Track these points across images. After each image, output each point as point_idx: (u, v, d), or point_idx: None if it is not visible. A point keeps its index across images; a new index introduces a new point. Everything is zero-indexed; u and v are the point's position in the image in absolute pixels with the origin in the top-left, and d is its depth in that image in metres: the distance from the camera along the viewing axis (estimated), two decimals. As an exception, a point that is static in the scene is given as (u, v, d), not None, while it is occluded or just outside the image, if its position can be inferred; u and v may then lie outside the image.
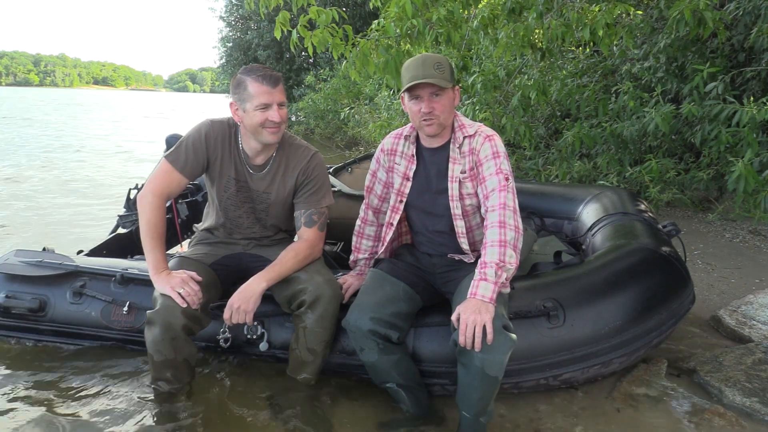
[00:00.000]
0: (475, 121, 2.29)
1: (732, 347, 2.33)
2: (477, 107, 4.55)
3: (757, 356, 2.20)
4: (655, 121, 3.84)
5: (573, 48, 5.54)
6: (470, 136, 1.85)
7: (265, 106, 1.82)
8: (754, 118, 3.27)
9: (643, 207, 2.75)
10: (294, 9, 3.56)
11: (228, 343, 1.99)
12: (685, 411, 1.90)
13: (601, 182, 4.48)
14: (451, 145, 1.88)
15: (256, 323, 1.97)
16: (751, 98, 3.51)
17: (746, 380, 2.04)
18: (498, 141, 1.84)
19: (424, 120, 1.79)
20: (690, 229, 4.20)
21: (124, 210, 3.01)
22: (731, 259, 3.60)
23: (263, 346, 1.99)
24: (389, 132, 2.06)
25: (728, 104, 3.55)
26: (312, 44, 3.60)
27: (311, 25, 3.60)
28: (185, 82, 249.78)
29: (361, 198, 2.24)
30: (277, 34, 3.51)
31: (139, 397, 1.94)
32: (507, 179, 1.78)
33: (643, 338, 1.96)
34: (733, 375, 2.07)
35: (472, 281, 1.64)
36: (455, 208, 1.87)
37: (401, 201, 1.96)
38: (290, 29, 3.54)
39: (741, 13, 4.01)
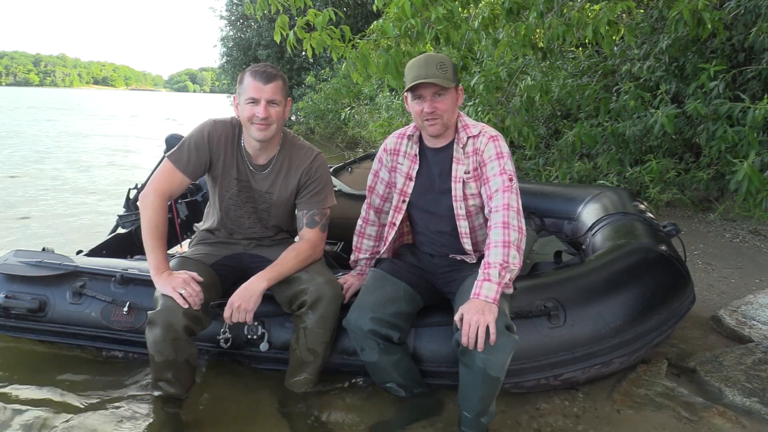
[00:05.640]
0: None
1: (732, 347, 2.33)
2: (479, 108, 4.54)
3: (757, 356, 2.20)
4: (660, 122, 3.81)
5: (573, 48, 5.54)
6: (474, 136, 1.85)
7: (254, 101, 1.84)
8: (765, 114, 3.25)
9: (643, 207, 2.75)
10: (293, 11, 3.57)
11: (228, 344, 1.99)
12: (685, 411, 1.90)
13: (601, 182, 4.48)
14: (454, 145, 1.87)
15: (256, 323, 1.97)
16: (763, 98, 3.49)
17: (746, 380, 2.04)
18: (502, 142, 1.84)
19: (427, 120, 1.79)
20: (690, 229, 4.20)
21: (124, 210, 3.01)
22: (731, 259, 3.60)
23: (264, 346, 1.98)
24: (389, 132, 2.06)
25: (734, 102, 3.54)
26: (311, 46, 3.60)
27: (309, 27, 3.60)
28: (185, 82, 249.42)
29: (361, 198, 2.23)
30: (277, 38, 3.54)
31: (139, 398, 1.94)
32: (511, 180, 1.78)
33: (644, 338, 1.96)
34: (733, 375, 2.07)
35: (476, 281, 1.64)
36: (458, 209, 1.87)
37: (404, 201, 1.96)
38: (289, 32, 3.55)
39: (742, 11, 4.01)
